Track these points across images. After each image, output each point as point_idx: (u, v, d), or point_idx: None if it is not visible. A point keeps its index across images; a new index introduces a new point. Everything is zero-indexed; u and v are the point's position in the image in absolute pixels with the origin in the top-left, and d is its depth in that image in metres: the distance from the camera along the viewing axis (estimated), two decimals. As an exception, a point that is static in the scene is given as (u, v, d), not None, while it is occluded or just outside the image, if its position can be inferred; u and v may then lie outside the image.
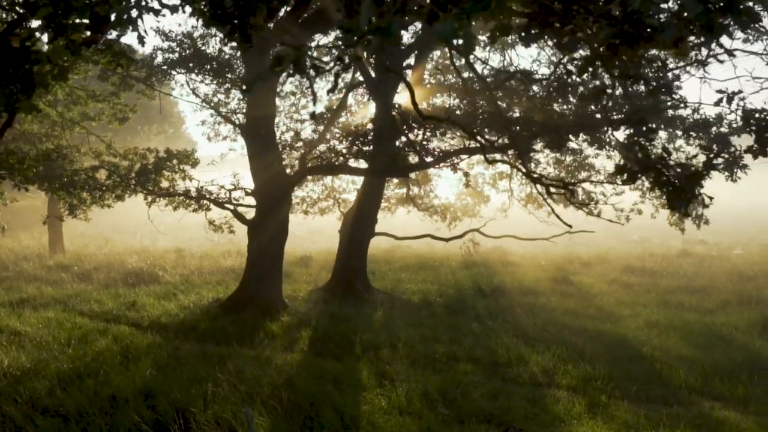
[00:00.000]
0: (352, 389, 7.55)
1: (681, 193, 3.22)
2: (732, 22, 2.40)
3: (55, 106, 15.13)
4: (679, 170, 3.48)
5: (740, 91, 4.32)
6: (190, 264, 19.74)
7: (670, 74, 15.77)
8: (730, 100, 4.27)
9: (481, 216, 23.18)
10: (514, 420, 6.90)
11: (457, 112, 10.23)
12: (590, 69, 3.48)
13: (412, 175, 20.56)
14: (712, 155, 3.73)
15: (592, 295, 15.81)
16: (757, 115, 5.07)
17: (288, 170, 13.93)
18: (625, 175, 3.38)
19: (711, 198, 5.56)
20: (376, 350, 9.90)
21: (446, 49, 19.46)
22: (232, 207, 13.16)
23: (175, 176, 14.13)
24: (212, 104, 17.47)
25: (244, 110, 13.77)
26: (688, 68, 17.44)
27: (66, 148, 15.28)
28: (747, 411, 7.51)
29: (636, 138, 3.20)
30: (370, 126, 11.61)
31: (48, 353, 9.01)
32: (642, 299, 14.90)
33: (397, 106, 12.84)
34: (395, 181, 21.11)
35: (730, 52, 6.37)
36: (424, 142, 13.70)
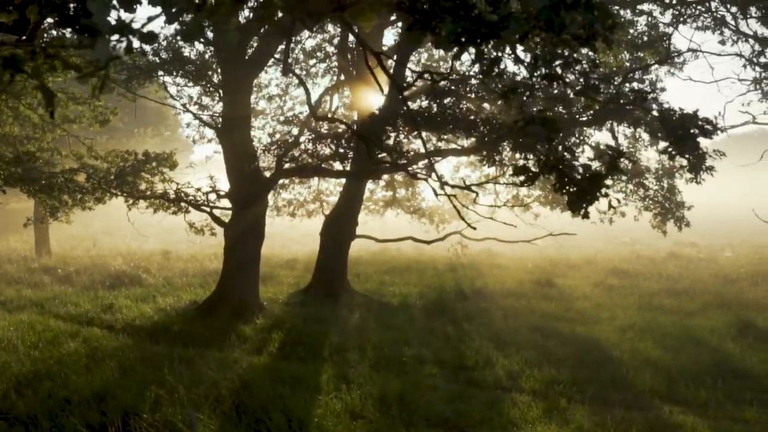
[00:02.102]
0: (308, 392, 7.50)
1: (582, 195, 3.18)
2: (580, 19, 2.36)
3: (35, 108, 15.12)
4: (582, 171, 3.45)
5: (653, 91, 4.27)
6: (176, 266, 19.74)
7: (650, 74, 15.72)
8: (643, 99, 4.22)
9: (469, 218, 23.17)
10: (468, 424, 6.86)
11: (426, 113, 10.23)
12: (496, 68, 3.44)
13: (398, 177, 20.60)
14: (615, 155, 3.66)
15: (574, 297, 15.74)
16: (676, 116, 5.02)
17: (267, 172, 13.91)
18: (525, 176, 3.34)
19: (619, 201, 5.48)
20: (344, 353, 9.87)
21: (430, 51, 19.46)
22: (208, 209, 13.14)
23: (154, 179, 14.15)
24: (198, 106, 17.52)
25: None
26: (671, 70, 17.47)
27: (46, 150, 15.31)
28: (706, 416, 7.44)
29: (544, 138, 3.17)
30: (343, 127, 11.58)
31: (12, 356, 8.97)
32: (623, 302, 14.83)
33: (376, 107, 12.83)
34: (382, 183, 21.11)
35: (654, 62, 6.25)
36: (406, 144, 13.68)
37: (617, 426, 6.74)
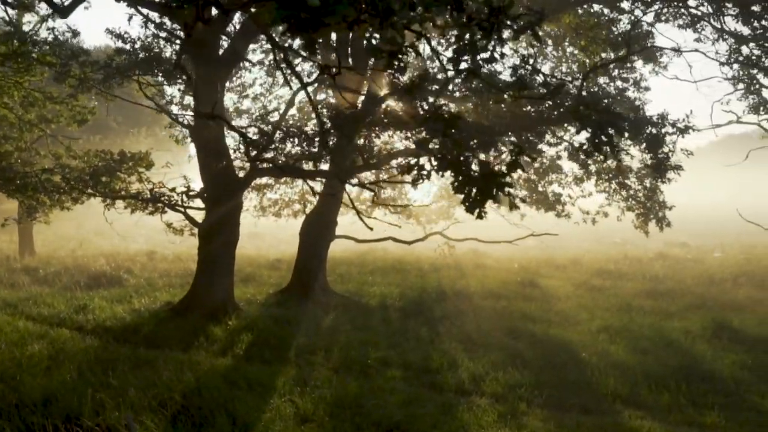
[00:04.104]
0: (262, 395, 7.40)
1: (479, 194, 3.06)
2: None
3: (14, 109, 15.05)
4: (479, 170, 3.33)
5: (564, 85, 4.13)
6: (159, 267, 19.65)
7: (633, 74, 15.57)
8: (555, 93, 4.11)
9: (456, 218, 23.04)
10: (419, 428, 6.74)
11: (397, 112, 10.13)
12: (396, 64, 3.33)
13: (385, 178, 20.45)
14: (517, 151, 3.49)
15: (555, 298, 15.60)
16: (594, 114, 4.91)
17: (242, 172, 13.81)
18: (415, 173, 3.22)
19: (523, 200, 5.37)
20: (309, 355, 9.76)
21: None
22: (182, 209, 13.04)
23: (131, 178, 14.05)
24: (180, 106, 17.48)
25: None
26: (656, 69, 17.30)
27: (24, 150, 15.23)
28: (666, 420, 7.31)
29: (440, 133, 3.04)
30: (314, 127, 11.48)
31: (-29, 358, 8.87)
32: (604, 303, 14.68)
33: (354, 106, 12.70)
34: (367, 183, 20.96)
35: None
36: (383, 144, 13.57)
37: (571, 431, 6.62)
